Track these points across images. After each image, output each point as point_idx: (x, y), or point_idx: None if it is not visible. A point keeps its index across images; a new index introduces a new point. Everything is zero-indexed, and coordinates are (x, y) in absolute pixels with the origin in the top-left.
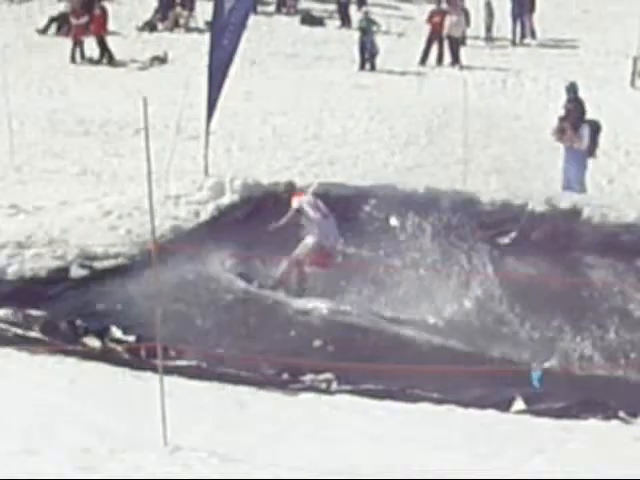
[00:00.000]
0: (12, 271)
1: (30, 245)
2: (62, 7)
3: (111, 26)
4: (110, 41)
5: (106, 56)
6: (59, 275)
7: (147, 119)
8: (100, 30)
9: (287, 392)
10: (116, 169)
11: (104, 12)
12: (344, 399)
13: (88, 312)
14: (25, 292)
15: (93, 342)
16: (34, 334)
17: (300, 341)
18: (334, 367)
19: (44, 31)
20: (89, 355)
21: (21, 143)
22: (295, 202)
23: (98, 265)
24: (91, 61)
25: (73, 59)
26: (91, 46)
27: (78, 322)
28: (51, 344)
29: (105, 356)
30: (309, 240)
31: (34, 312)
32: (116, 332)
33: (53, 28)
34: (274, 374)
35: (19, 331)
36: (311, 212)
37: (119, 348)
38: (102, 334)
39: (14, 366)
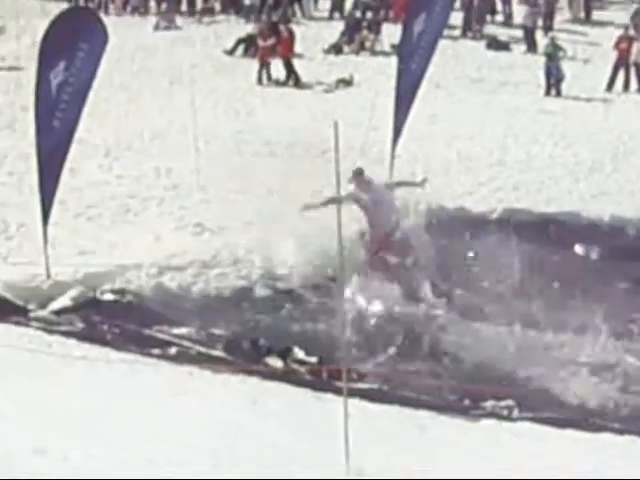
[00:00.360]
0: (197, 290)
1: (215, 265)
2: (250, 29)
3: (297, 48)
4: (296, 63)
5: (292, 78)
6: (243, 295)
7: (338, 142)
8: (287, 52)
9: (468, 417)
10: (301, 190)
11: (291, 34)
12: (525, 426)
13: (271, 332)
14: (209, 311)
15: (275, 362)
16: (217, 353)
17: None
18: (515, 393)
19: (231, 52)
20: (271, 375)
21: (207, 163)
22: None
23: (282, 286)
24: (277, 83)
25: (260, 80)
26: (277, 68)
27: (261, 342)
28: (234, 363)
29: (287, 376)
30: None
31: (217, 331)
32: (298, 353)
33: (240, 49)
34: (455, 399)
35: (202, 349)
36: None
37: (301, 369)
38: (285, 354)
39: (197, 384)
